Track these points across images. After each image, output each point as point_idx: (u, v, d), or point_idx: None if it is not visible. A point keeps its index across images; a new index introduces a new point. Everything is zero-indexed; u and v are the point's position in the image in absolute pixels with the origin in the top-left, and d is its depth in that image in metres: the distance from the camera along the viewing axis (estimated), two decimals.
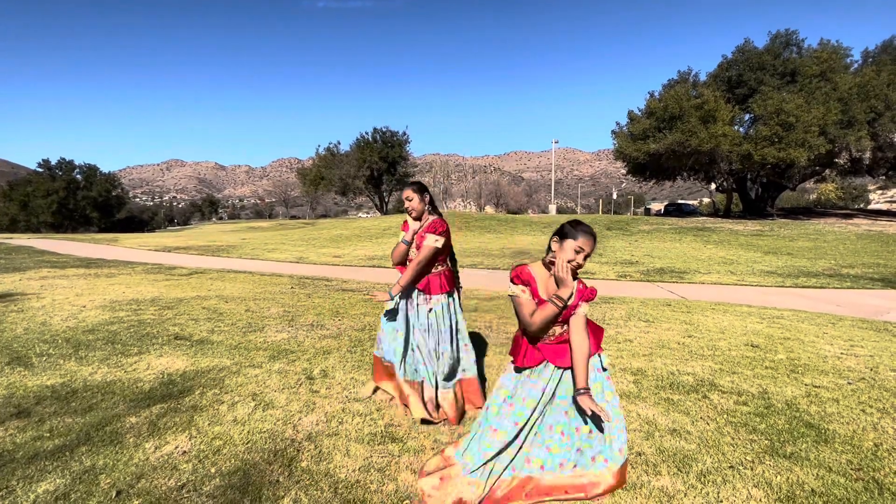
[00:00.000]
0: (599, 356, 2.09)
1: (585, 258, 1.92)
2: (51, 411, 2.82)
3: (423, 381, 2.84)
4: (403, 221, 3.02)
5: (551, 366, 2.04)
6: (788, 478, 2.22)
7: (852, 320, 5.94)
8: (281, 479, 2.16)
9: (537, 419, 2.06)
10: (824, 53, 26.21)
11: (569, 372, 2.02)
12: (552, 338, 2.03)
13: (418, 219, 2.89)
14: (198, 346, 4.18)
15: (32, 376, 3.39)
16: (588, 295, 2.00)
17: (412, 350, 2.89)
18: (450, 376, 2.87)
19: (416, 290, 2.85)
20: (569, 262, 1.91)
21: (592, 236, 1.93)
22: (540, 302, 1.98)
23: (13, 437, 2.51)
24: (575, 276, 1.96)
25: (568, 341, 2.01)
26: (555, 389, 2.05)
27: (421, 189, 2.89)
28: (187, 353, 3.97)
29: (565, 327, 2.02)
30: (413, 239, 2.88)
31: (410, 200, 2.87)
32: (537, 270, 2.04)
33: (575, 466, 2.03)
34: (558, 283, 1.93)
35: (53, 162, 48.36)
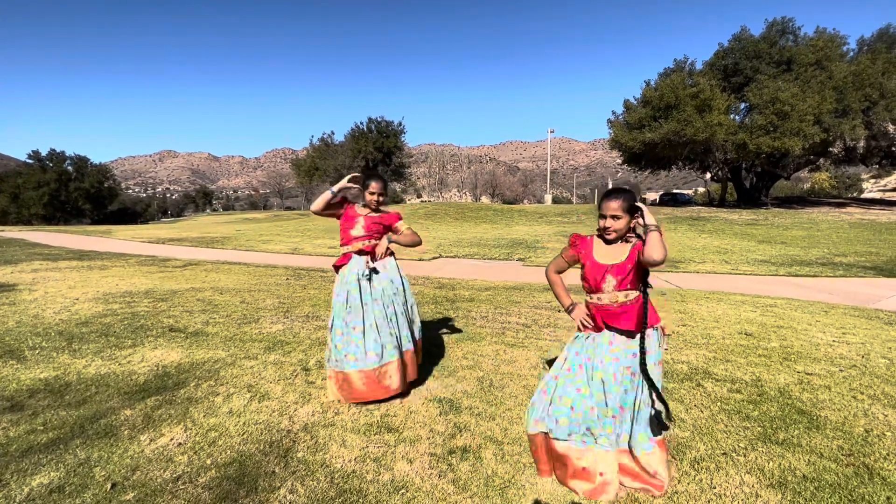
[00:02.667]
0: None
1: (607, 219, 2.04)
2: (44, 404, 2.81)
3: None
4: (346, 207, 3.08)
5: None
6: (780, 464, 2.25)
7: (844, 308, 5.99)
8: (277, 470, 2.17)
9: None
10: (820, 41, 26.15)
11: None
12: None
13: (377, 210, 3.08)
14: (192, 338, 4.16)
15: (25, 370, 3.37)
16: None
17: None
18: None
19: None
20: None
21: (604, 198, 2.06)
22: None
23: (6, 430, 2.49)
24: (610, 236, 2.07)
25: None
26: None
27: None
28: (182, 346, 3.95)
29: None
30: (366, 225, 3.01)
31: (383, 195, 3.03)
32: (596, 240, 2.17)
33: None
34: None
35: (44, 153, 47.69)
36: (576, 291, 2.13)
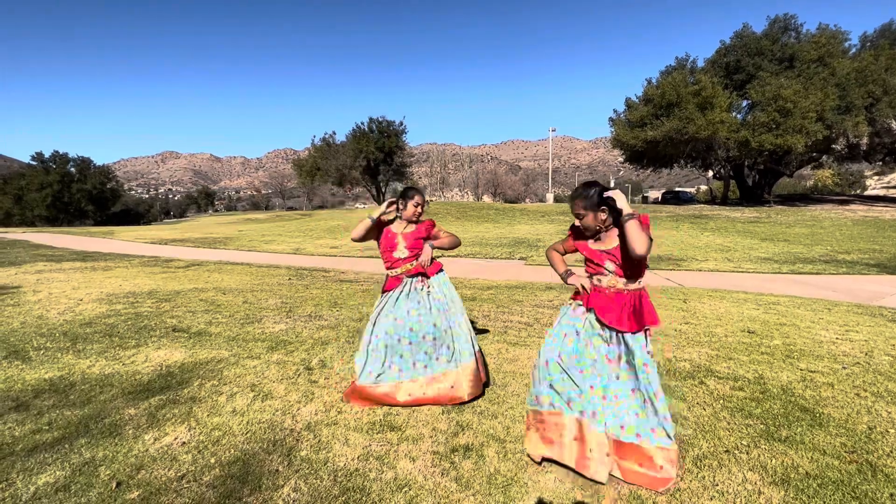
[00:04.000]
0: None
1: (579, 217, 2.13)
2: (49, 404, 2.82)
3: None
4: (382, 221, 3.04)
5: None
6: (783, 461, 2.24)
7: (848, 306, 5.97)
8: (280, 469, 2.18)
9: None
10: (822, 38, 26.04)
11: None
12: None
13: (411, 223, 3.05)
14: (196, 338, 4.18)
15: (30, 370, 3.39)
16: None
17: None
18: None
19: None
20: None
21: (571, 199, 2.15)
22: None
23: (12, 430, 2.51)
24: (597, 231, 2.16)
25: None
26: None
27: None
28: (185, 345, 3.97)
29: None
30: (408, 244, 2.98)
31: (422, 206, 3.01)
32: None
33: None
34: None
35: (47, 155, 47.86)
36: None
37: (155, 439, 2.43)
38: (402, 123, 44.17)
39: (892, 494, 1.99)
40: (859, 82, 24.17)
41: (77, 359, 3.63)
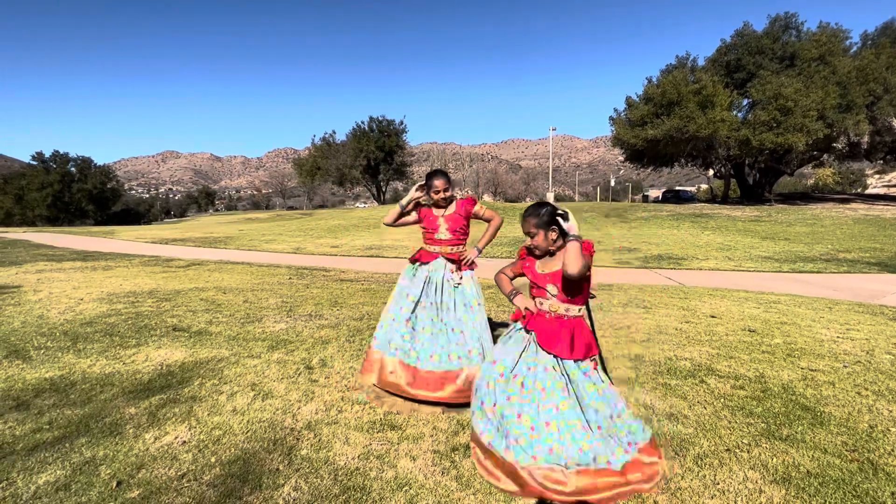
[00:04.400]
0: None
1: (530, 236, 2.14)
2: (50, 403, 2.82)
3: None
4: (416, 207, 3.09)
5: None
6: (784, 460, 2.24)
7: (849, 304, 5.97)
8: (281, 468, 2.18)
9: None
10: (823, 36, 25.96)
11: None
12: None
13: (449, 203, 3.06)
14: (196, 338, 4.18)
15: (31, 369, 3.39)
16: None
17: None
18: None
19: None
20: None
21: (523, 218, 2.15)
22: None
23: (13, 429, 2.51)
24: (547, 252, 2.17)
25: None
26: None
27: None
28: (186, 345, 3.97)
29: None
30: (450, 226, 3.01)
31: (448, 189, 2.99)
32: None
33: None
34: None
35: (47, 155, 47.91)
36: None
37: (155, 438, 2.43)
38: (402, 122, 44.20)
39: (893, 493, 1.99)
40: (860, 81, 24.10)
41: (77, 358, 3.63)
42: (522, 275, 2.30)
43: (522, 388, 2.08)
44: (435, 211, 3.05)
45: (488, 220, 3.10)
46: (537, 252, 2.17)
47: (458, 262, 3.02)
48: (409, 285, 3.03)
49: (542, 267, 2.17)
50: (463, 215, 3.03)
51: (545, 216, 2.09)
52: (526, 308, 2.21)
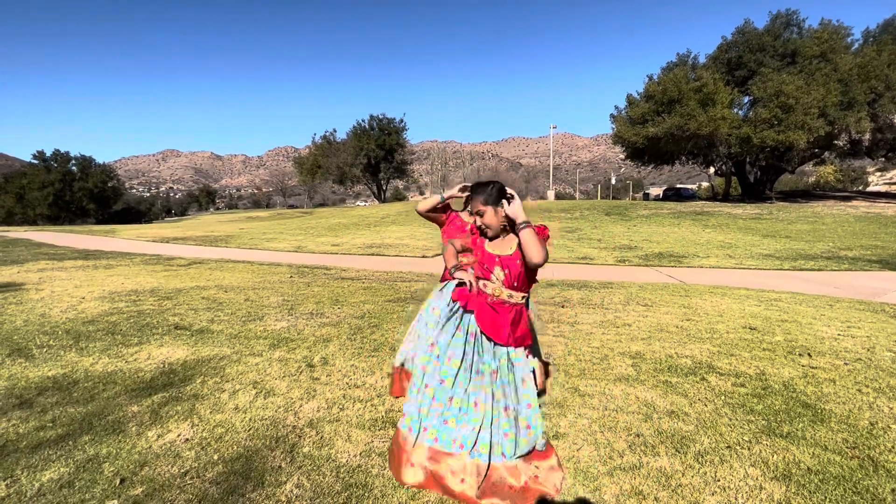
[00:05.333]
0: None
1: (480, 214, 2.07)
2: (53, 401, 2.84)
3: None
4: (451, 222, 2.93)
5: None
6: (785, 457, 2.25)
7: (850, 302, 5.96)
8: (283, 465, 2.18)
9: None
10: (825, 33, 25.88)
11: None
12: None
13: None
14: (198, 336, 4.19)
15: (34, 367, 3.40)
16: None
17: None
18: None
19: None
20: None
21: (470, 197, 2.10)
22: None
23: (16, 427, 2.52)
24: (497, 232, 2.09)
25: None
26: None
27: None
28: (187, 343, 3.98)
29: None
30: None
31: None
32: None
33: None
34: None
35: (48, 154, 47.94)
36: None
37: (158, 436, 2.44)
38: (402, 121, 44.18)
39: (893, 490, 2.00)
40: (862, 78, 24.03)
41: (80, 356, 3.64)
42: (469, 249, 2.20)
43: (455, 370, 2.03)
44: (465, 217, 2.92)
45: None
46: (489, 232, 2.06)
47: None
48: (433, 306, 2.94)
49: (493, 248, 2.07)
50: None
51: (493, 192, 2.00)
52: (470, 282, 2.11)
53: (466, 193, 2.75)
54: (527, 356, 2.06)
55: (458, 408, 2.00)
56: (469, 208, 2.04)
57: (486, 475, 1.91)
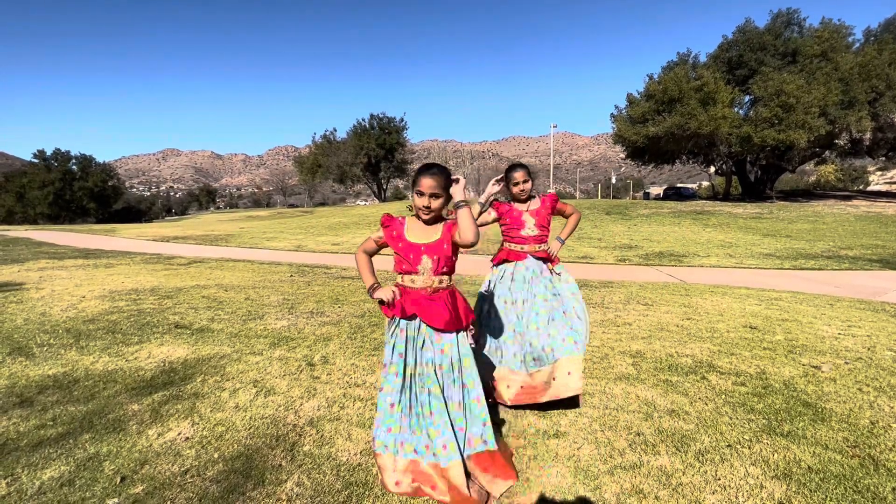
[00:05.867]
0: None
1: (425, 197, 1.93)
2: (53, 400, 2.84)
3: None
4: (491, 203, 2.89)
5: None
6: (785, 455, 2.25)
7: (850, 301, 5.96)
8: (283, 464, 2.19)
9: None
10: (825, 32, 25.85)
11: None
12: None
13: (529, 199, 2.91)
14: (198, 335, 4.19)
15: (34, 366, 3.40)
16: None
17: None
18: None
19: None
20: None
21: (421, 175, 1.93)
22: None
23: (17, 425, 2.53)
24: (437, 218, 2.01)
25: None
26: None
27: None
28: (188, 342, 3.98)
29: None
30: (536, 221, 2.85)
31: (528, 181, 2.86)
32: None
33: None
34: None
35: (49, 153, 47.94)
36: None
37: (158, 434, 2.44)
38: (402, 120, 44.13)
39: (894, 489, 1.99)
40: (863, 77, 24.00)
41: (80, 355, 3.64)
42: (386, 245, 2.06)
43: (412, 380, 1.98)
44: (515, 206, 2.89)
45: (569, 216, 3.01)
46: (426, 217, 1.94)
47: (548, 260, 2.85)
48: (495, 289, 2.85)
49: (416, 237, 1.96)
50: (548, 210, 2.88)
51: (449, 176, 1.92)
52: (391, 299, 1.96)
53: (500, 186, 2.76)
54: (471, 336, 2.05)
55: (407, 413, 1.97)
56: (422, 187, 1.89)
57: (458, 473, 1.90)
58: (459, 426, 1.96)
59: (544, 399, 2.61)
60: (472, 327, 2.09)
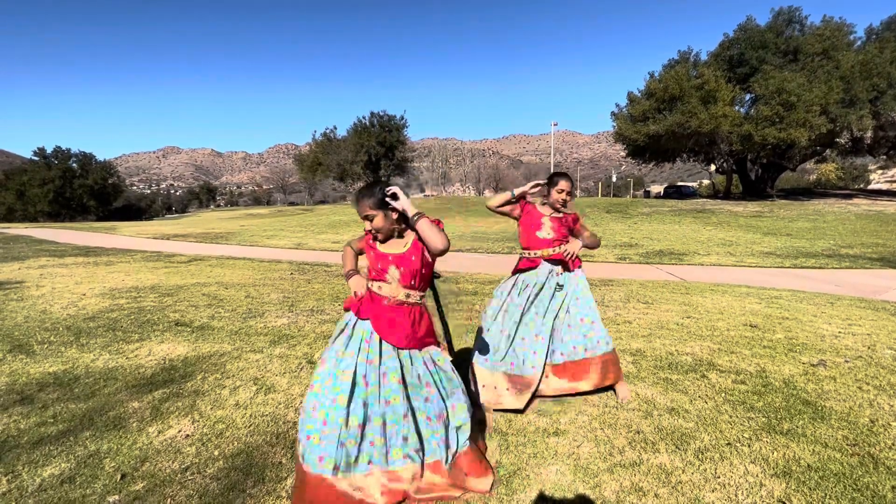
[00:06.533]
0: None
1: (369, 219, 1.95)
2: (54, 397, 2.84)
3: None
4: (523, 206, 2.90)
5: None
6: (785, 454, 2.25)
7: (850, 300, 5.96)
8: (283, 461, 2.19)
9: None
10: (827, 31, 25.79)
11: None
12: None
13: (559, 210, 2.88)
14: (199, 332, 4.20)
15: (34, 364, 3.41)
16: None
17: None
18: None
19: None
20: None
21: (356, 202, 1.93)
22: None
23: (17, 423, 2.53)
24: (391, 234, 1.99)
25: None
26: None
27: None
28: (188, 339, 3.99)
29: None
30: (554, 227, 2.83)
31: (570, 195, 2.83)
32: None
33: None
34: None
35: (49, 150, 47.88)
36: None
37: (159, 432, 2.44)
38: (403, 118, 44.00)
39: (893, 487, 2.00)
40: (864, 75, 23.94)
41: (81, 353, 3.65)
42: (363, 252, 2.11)
43: (355, 384, 1.87)
44: (539, 208, 2.89)
45: (591, 247, 2.89)
46: (380, 236, 1.96)
47: (564, 263, 2.81)
48: (503, 295, 2.85)
49: (386, 247, 1.98)
50: (568, 224, 2.86)
51: (380, 195, 1.89)
52: (355, 292, 1.99)
53: (538, 188, 2.78)
54: (443, 350, 2.02)
55: (362, 421, 1.86)
56: (359, 213, 1.93)
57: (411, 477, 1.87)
58: (422, 432, 1.91)
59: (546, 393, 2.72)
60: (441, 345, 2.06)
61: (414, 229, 1.92)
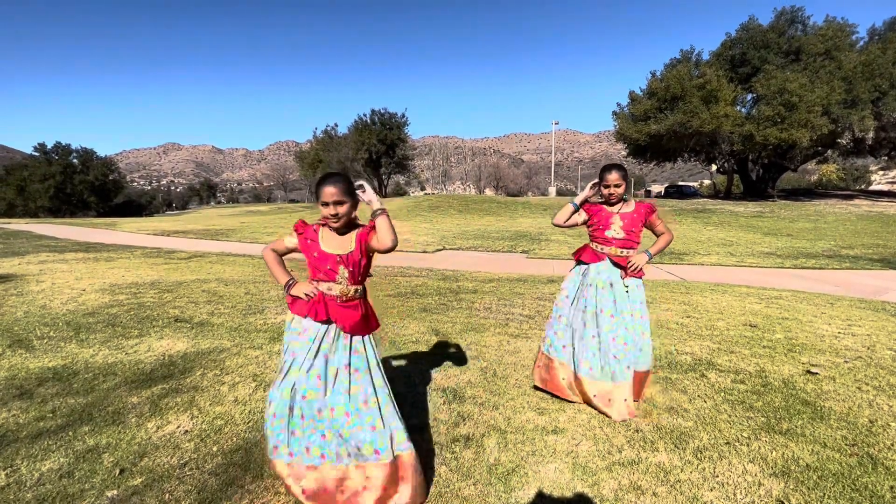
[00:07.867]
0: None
1: (330, 206, 1.87)
2: (53, 392, 2.84)
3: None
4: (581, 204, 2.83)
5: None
6: (784, 453, 2.25)
7: (851, 300, 5.95)
8: None
9: None
10: (829, 31, 25.74)
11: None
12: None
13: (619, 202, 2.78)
14: (198, 328, 4.20)
15: (34, 358, 3.41)
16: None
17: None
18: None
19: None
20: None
21: (321, 185, 1.87)
22: None
23: (16, 417, 2.53)
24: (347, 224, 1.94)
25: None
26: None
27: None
28: (188, 335, 3.99)
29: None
30: (624, 225, 2.72)
31: (620, 186, 2.68)
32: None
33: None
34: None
35: (49, 146, 47.85)
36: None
37: (157, 427, 2.44)
38: (403, 116, 43.95)
39: (892, 487, 1.99)
40: (866, 76, 23.91)
41: (80, 348, 3.65)
42: (292, 251, 2.02)
43: (322, 381, 1.88)
44: (607, 207, 2.76)
45: (659, 235, 2.84)
46: (336, 224, 1.89)
47: (626, 269, 2.71)
48: (569, 289, 2.84)
49: (331, 247, 1.91)
50: (642, 220, 2.72)
51: (350, 182, 1.87)
52: (307, 294, 1.91)
53: (594, 191, 2.74)
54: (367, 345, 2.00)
55: (314, 417, 1.89)
56: (324, 198, 1.86)
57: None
58: (374, 425, 1.90)
59: (599, 408, 2.66)
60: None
61: (357, 225, 1.95)
